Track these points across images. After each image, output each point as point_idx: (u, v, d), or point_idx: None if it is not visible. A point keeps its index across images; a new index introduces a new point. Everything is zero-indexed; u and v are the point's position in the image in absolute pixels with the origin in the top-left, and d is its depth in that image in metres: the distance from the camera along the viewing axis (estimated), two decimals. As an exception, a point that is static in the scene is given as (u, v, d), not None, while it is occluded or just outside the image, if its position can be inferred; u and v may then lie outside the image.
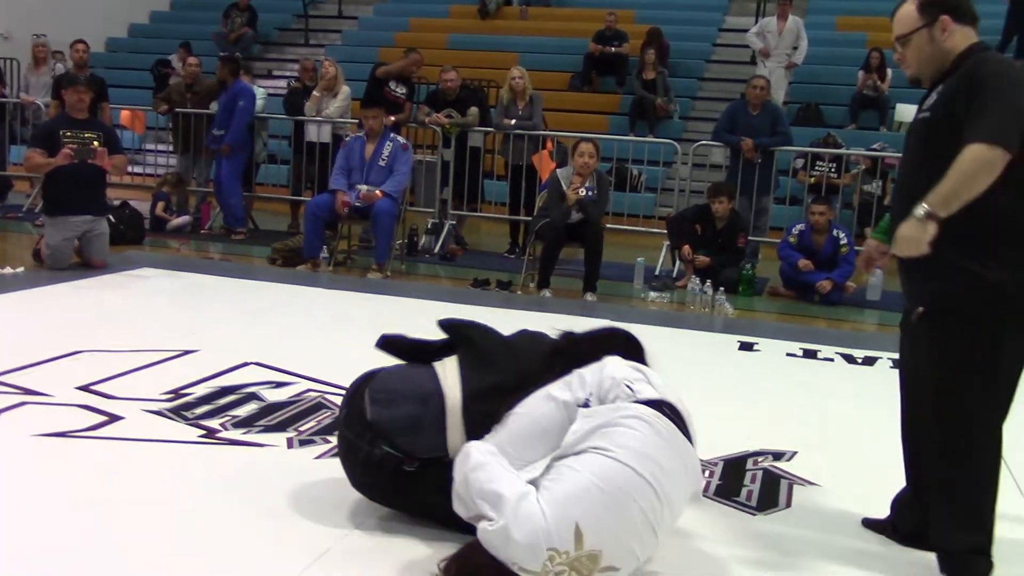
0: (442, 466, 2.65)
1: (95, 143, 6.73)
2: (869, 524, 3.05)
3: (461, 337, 2.92)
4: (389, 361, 3.00)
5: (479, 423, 2.66)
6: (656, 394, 2.46)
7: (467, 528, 2.47)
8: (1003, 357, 2.58)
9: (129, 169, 11.22)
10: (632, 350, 2.75)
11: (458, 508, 2.48)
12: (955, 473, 2.66)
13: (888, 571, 2.77)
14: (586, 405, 2.47)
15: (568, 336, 2.86)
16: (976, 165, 2.42)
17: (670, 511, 2.39)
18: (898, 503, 2.99)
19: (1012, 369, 2.63)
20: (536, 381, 2.63)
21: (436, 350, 2.94)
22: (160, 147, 11.65)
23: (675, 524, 2.49)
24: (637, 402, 2.42)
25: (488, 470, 2.41)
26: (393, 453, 2.74)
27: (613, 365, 2.56)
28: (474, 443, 2.53)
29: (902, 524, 2.95)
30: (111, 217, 8.02)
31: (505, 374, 2.75)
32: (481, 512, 2.35)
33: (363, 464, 2.81)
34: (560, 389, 2.55)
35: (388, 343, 3.02)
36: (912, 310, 2.72)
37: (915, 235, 2.50)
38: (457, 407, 2.72)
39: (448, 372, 2.81)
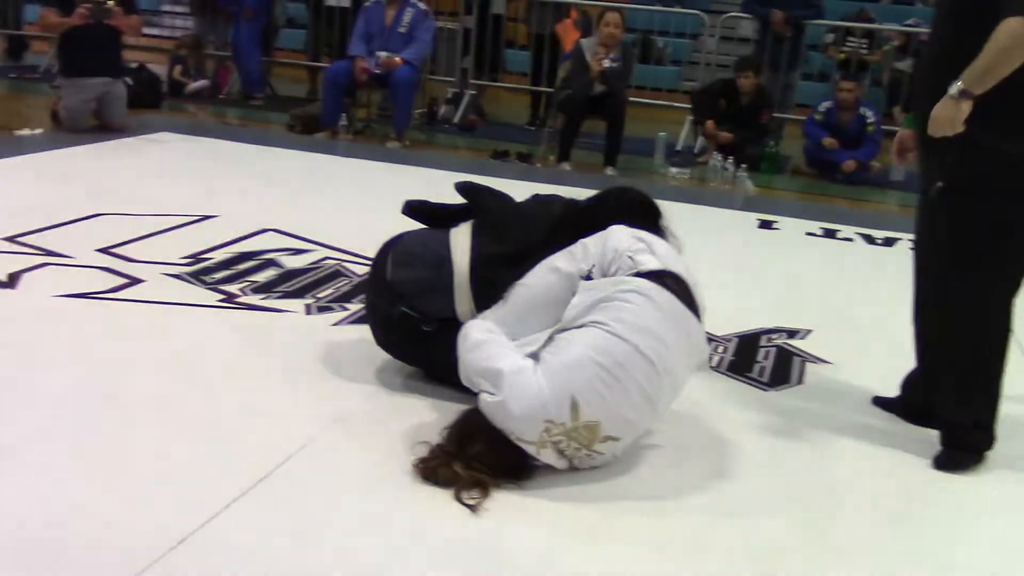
0: (459, 327, 2.69)
1: (110, 2, 6.61)
2: (879, 402, 3.08)
3: (476, 203, 2.96)
4: (414, 226, 3.03)
5: (485, 291, 2.71)
6: (658, 264, 2.44)
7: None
8: (1018, 232, 2.57)
9: (146, 31, 11.13)
10: (645, 213, 2.72)
11: (464, 382, 2.52)
12: (962, 346, 2.67)
13: (893, 445, 2.81)
14: (588, 277, 2.47)
15: (575, 203, 2.86)
16: (1013, 40, 2.35)
17: (671, 383, 2.41)
18: (908, 383, 3.01)
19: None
20: (543, 250, 2.63)
21: (456, 213, 2.96)
22: (178, 8, 11.45)
23: (678, 395, 2.52)
24: (638, 274, 2.41)
25: (486, 348, 2.43)
26: (410, 313, 2.81)
27: (617, 235, 2.53)
28: (473, 322, 2.56)
29: (911, 403, 2.98)
30: (129, 80, 7.95)
31: (513, 244, 2.77)
32: (482, 388, 2.38)
33: (383, 323, 2.91)
34: (564, 260, 2.55)
35: (412, 208, 3.06)
36: (930, 187, 2.67)
37: (950, 114, 2.45)
38: (464, 274, 2.77)
39: (460, 239, 2.84)
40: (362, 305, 3.58)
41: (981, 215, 2.56)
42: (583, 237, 2.59)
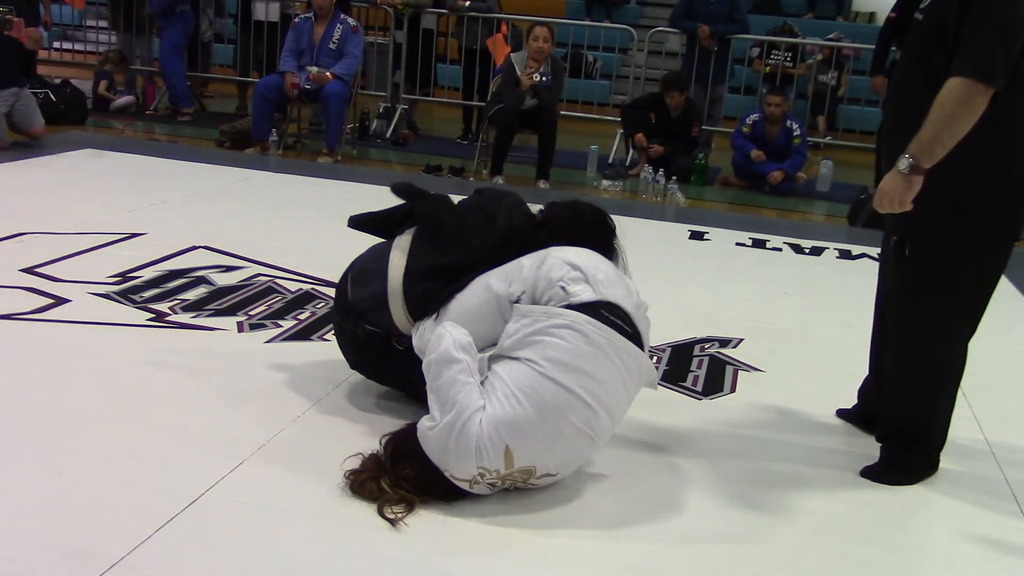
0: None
1: (9, 15, 6.50)
2: (841, 414, 3.12)
3: (413, 208, 2.86)
4: (370, 240, 2.97)
5: (419, 303, 2.67)
6: (593, 295, 2.35)
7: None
8: (976, 284, 2.57)
9: (68, 47, 10.92)
10: (596, 233, 2.63)
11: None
12: (914, 382, 2.68)
13: (827, 452, 2.87)
14: (517, 302, 2.42)
15: (522, 216, 2.75)
16: (955, 106, 2.31)
17: (609, 417, 2.35)
18: (862, 392, 3.06)
19: (983, 285, 2.59)
20: (485, 262, 2.58)
21: (403, 218, 2.87)
22: (102, 23, 11.26)
23: (618, 426, 2.46)
24: (569, 306, 2.33)
25: (455, 370, 2.33)
26: (375, 331, 2.77)
27: (551, 261, 2.44)
28: (450, 329, 2.42)
29: (865, 411, 3.01)
30: (52, 95, 7.80)
31: (450, 255, 2.70)
32: (429, 403, 2.35)
33: (352, 344, 2.86)
34: (497, 279, 2.49)
35: (357, 223, 2.99)
36: (890, 235, 2.66)
37: (898, 191, 2.41)
38: (398, 286, 2.71)
39: (396, 251, 2.78)
40: (296, 322, 3.55)
41: (939, 269, 2.55)
42: (528, 253, 2.52)
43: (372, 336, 2.78)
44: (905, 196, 2.41)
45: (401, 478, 2.31)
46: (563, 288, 2.37)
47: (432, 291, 2.63)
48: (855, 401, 3.10)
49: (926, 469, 2.75)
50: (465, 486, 2.31)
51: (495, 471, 2.28)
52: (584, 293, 2.36)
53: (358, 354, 2.87)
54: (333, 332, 3.05)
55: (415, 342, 2.63)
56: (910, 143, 2.38)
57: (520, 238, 2.63)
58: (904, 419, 2.73)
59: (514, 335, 2.36)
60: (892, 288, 2.70)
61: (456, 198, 2.94)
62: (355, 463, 2.41)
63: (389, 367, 2.85)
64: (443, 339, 2.39)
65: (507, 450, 2.25)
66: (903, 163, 2.39)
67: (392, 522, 2.23)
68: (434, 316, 2.58)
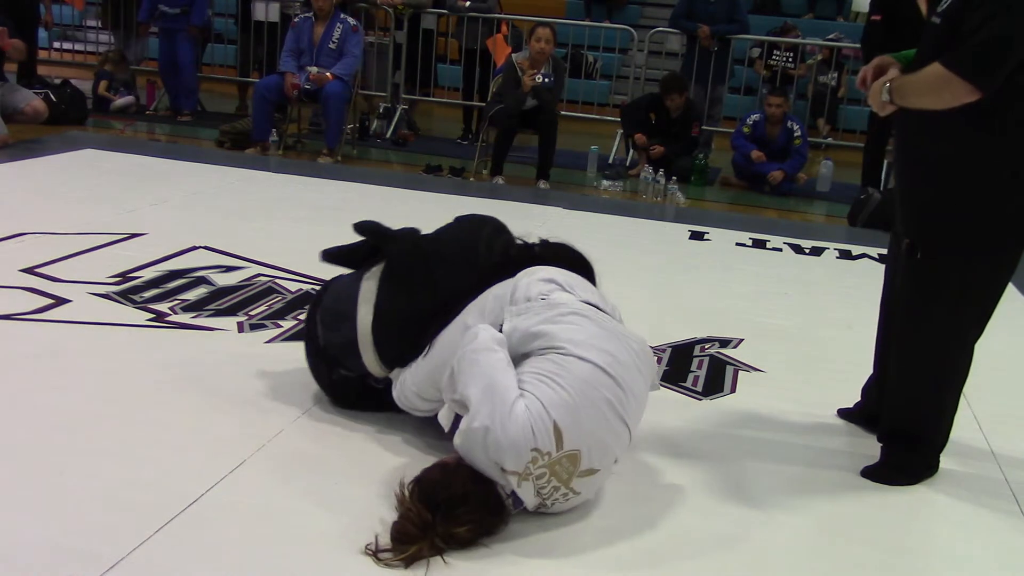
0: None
1: None
2: (842, 413, 3.11)
3: (381, 249, 2.78)
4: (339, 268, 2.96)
5: (391, 349, 2.63)
6: (576, 299, 2.38)
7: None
8: (984, 291, 2.57)
9: (68, 47, 10.92)
10: (580, 265, 2.63)
11: (444, 391, 2.35)
12: (918, 383, 2.69)
13: (827, 452, 2.87)
14: (500, 329, 2.35)
15: (520, 251, 2.71)
16: (931, 84, 2.39)
17: (635, 401, 2.33)
18: (866, 390, 3.05)
19: (992, 291, 2.60)
20: (461, 301, 2.54)
21: (373, 252, 2.81)
22: (101, 24, 11.26)
23: (641, 416, 2.43)
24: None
25: (495, 358, 2.25)
26: (350, 375, 2.73)
27: (523, 282, 2.45)
28: (484, 327, 2.35)
29: (868, 409, 3.01)
30: (52, 95, 7.81)
31: (420, 300, 2.62)
32: (466, 398, 2.22)
33: (330, 387, 2.83)
34: (474, 317, 2.46)
35: (330, 256, 2.95)
36: (901, 239, 2.66)
37: (875, 97, 2.56)
38: (367, 335, 2.64)
39: (364, 296, 2.69)
40: (296, 322, 3.55)
41: (949, 273, 2.55)
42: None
43: (347, 380, 2.76)
44: (879, 107, 2.55)
45: (452, 537, 2.11)
46: (543, 298, 2.38)
47: (405, 337, 2.59)
48: (856, 400, 3.10)
49: (926, 470, 2.75)
50: (515, 481, 2.17)
51: (547, 453, 2.16)
52: (567, 299, 2.37)
53: (337, 396, 2.84)
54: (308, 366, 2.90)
55: (396, 394, 2.63)
56: (902, 77, 2.50)
57: (502, 270, 2.59)
58: (907, 420, 2.72)
59: (519, 331, 2.31)
60: (900, 290, 2.69)
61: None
62: (389, 508, 2.23)
63: (369, 401, 2.79)
64: (480, 334, 2.31)
65: (555, 426, 2.16)
66: (886, 89, 2.52)
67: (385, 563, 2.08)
68: (422, 356, 2.54)
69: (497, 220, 2.85)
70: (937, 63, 2.37)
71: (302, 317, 3.60)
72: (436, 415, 2.42)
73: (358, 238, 2.89)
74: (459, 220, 2.88)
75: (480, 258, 2.69)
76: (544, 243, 2.76)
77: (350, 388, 2.78)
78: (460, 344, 2.34)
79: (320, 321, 2.75)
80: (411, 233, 2.83)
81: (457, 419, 2.28)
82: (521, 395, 2.19)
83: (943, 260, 2.56)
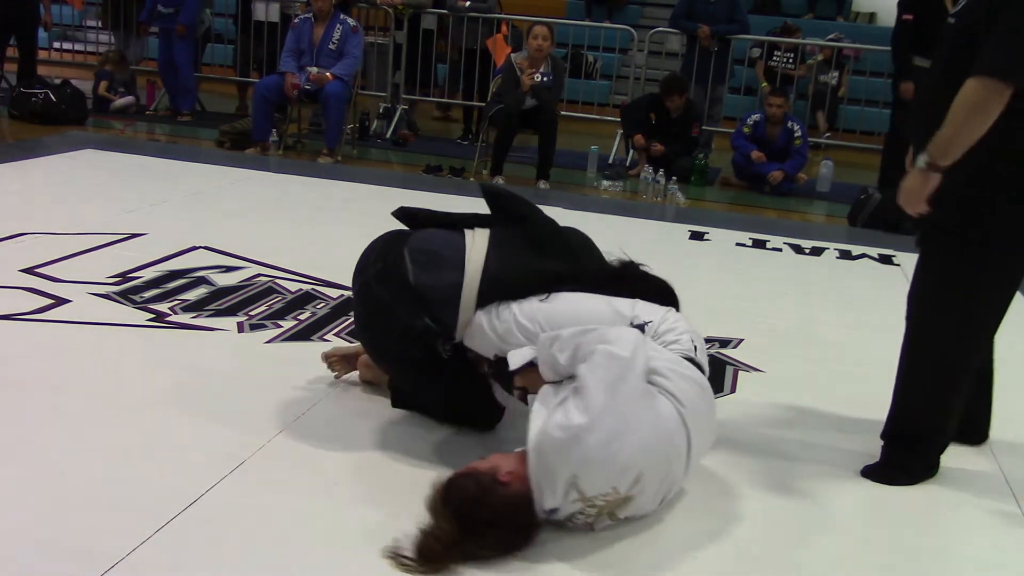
0: (468, 365, 2.52)
1: None
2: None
3: (512, 209, 2.62)
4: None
5: (496, 298, 2.45)
6: (705, 364, 2.36)
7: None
8: (997, 282, 2.57)
9: (68, 47, 10.92)
10: (675, 304, 2.59)
11: (588, 372, 2.12)
12: (926, 380, 2.68)
13: (822, 446, 2.87)
14: (642, 328, 2.31)
15: (629, 264, 2.64)
16: (972, 106, 2.32)
17: (678, 483, 2.31)
18: None
19: (1002, 288, 2.59)
20: (590, 286, 2.46)
21: (462, 222, 2.62)
22: (101, 24, 11.26)
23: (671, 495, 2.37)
24: (690, 360, 2.29)
25: (639, 392, 2.12)
26: (433, 327, 2.46)
27: (677, 314, 2.44)
28: (652, 347, 2.24)
29: None
30: (52, 95, 7.82)
31: (556, 262, 2.50)
32: (589, 393, 2.07)
33: (400, 336, 2.49)
34: (619, 302, 2.41)
35: (406, 213, 2.70)
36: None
37: (917, 188, 2.45)
38: (475, 283, 2.45)
39: (476, 243, 2.51)
40: (296, 322, 3.55)
41: (957, 266, 2.55)
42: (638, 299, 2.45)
43: (426, 333, 2.46)
44: (923, 193, 2.45)
45: (477, 557, 2.06)
46: (692, 341, 2.35)
47: (518, 291, 2.44)
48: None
49: (926, 470, 2.74)
50: (571, 498, 2.09)
51: (618, 492, 2.11)
52: (702, 358, 2.36)
53: (402, 348, 2.51)
54: (355, 307, 2.66)
55: (484, 323, 2.42)
56: (932, 141, 2.40)
57: (632, 283, 2.55)
58: (911, 420, 2.72)
59: (658, 361, 2.21)
60: (911, 283, 2.69)
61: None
62: (410, 522, 2.15)
63: (418, 369, 2.58)
64: (639, 354, 2.16)
65: (639, 476, 2.10)
66: (921, 160, 2.42)
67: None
68: (539, 299, 2.42)
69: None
70: (967, 82, 2.33)
71: (302, 317, 3.61)
72: (506, 354, 2.36)
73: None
74: (570, 229, 2.76)
75: (596, 257, 2.64)
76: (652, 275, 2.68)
77: (419, 345, 2.48)
78: (611, 332, 2.21)
79: (411, 259, 2.48)
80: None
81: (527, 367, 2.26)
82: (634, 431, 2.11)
83: (950, 253, 2.56)
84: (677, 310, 2.55)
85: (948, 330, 2.62)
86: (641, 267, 2.64)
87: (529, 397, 2.33)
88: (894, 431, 2.76)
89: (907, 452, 2.73)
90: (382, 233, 2.68)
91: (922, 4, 6.54)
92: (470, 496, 2.07)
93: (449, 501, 2.07)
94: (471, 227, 2.58)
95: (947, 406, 2.70)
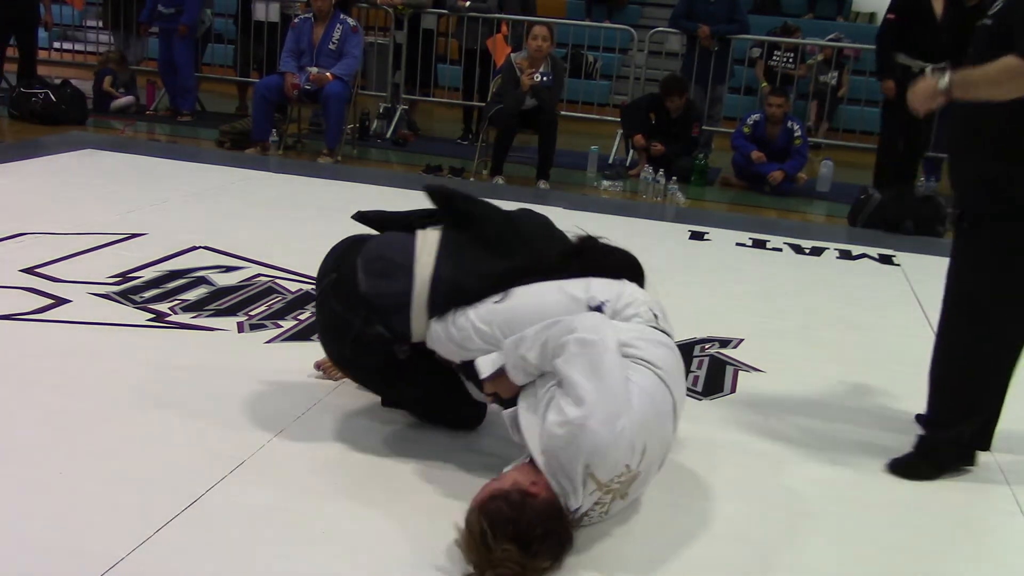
0: (431, 360, 2.52)
1: None
2: (920, 419, 3.03)
3: (458, 208, 2.59)
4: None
5: (449, 302, 2.44)
6: (670, 330, 2.37)
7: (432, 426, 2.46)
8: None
9: (68, 47, 10.92)
10: (640, 274, 2.59)
11: (565, 367, 2.13)
12: (963, 369, 2.69)
13: (822, 446, 2.87)
14: (599, 309, 2.32)
15: (587, 239, 2.62)
16: (1004, 75, 2.40)
17: (672, 444, 2.34)
18: None
19: None
20: (545, 274, 2.44)
21: (417, 221, 2.63)
22: (102, 24, 11.26)
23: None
24: (656, 328, 2.32)
25: (619, 368, 2.13)
26: (385, 334, 2.49)
27: (632, 286, 2.43)
28: (612, 324, 2.25)
29: None
30: (52, 95, 7.82)
31: (508, 259, 2.48)
32: (575, 385, 2.08)
33: (353, 343, 2.54)
34: (573, 287, 2.39)
35: (364, 217, 2.74)
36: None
37: (925, 94, 2.53)
38: (425, 288, 2.45)
39: (425, 245, 2.51)
40: (296, 322, 3.55)
41: (995, 246, 2.56)
42: (592, 276, 2.44)
43: (378, 339, 2.49)
44: (928, 103, 2.53)
45: (544, 559, 2.02)
46: (651, 311, 2.36)
47: (470, 293, 2.43)
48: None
49: (958, 461, 2.74)
50: (591, 489, 2.09)
51: (632, 469, 2.13)
52: (665, 326, 2.37)
53: (355, 354, 2.58)
54: (316, 316, 2.70)
55: (439, 330, 2.42)
56: (961, 70, 2.48)
57: (586, 258, 2.54)
58: (945, 408, 2.72)
59: (627, 333, 2.24)
60: (949, 266, 2.69)
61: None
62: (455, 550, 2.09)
63: (380, 374, 2.63)
64: (607, 334, 2.18)
65: (644, 448, 2.13)
66: (944, 81, 2.48)
67: None
68: (495, 300, 2.41)
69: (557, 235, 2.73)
70: (1010, 56, 2.38)
71: (302, 317, 3.61)
72: (473, 361, 2.36)
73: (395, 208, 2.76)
74: (524, 209, 2.78)
75: (555, 239, 2.63)
76: (610, 246, 2.67)
77: (374, 351, 2.51)
78: (575, 320, 2.21)
79: (364, 268, 2.51)
80: (483, 200, 2.68)
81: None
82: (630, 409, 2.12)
83: (988, 233, 2.56)
84: (642, 280, 2.56)
85: (986, 312, 2.61)
86: (601, 240, 2.63)
87: (509, 415, 2.33)
88: (928, 420, 2.76)
89: (938, 443, 2.73)
90: (343, 239, 2.69)
91: (906, 5, 6.66)
92: (512, 516, 2.02)
93: (497, 526, 1.99)
94: (424, 227, 2.58)
95: (983, 392, 2.71)
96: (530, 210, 2.80)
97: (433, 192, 2.63)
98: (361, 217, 2.74)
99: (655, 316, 2.35)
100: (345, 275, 2.54)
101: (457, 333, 2.42)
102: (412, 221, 2.64)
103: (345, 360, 2.69)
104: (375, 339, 2.49)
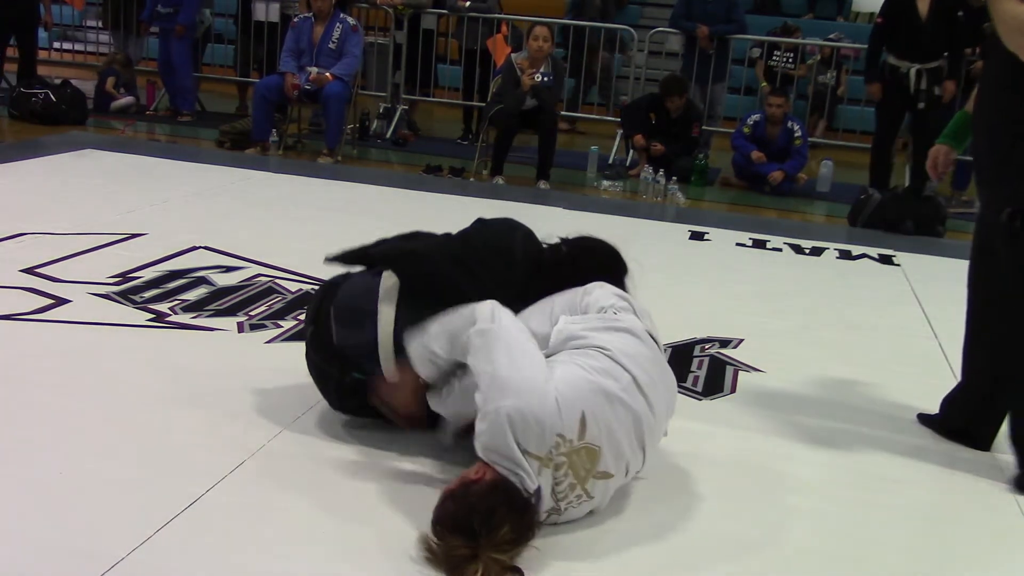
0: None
1: None
2: (922, 419, 3.08)
3: (402, 265, 2.61)
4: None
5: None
6: (640, 324, 2.38)
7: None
8: None
9: (68, 47, 10.93)
10: (617, 271, 2.62)
11: (473, 361, 2.21)
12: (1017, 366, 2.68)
13: (822, 447, 2.87)
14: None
15: (550, 251, 2.65)
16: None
17: (656, 429, 2.33)
18: (949, 400, 3.01)
19: None
20: (512, 300, 2.40)
21: (381, 262, 2.66)
22: (101, 24, 11.26)
23: (658, 444, 2.42)
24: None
25: (522, 337, 2.22)
26: (362, 379, 2.56)
27: (598, 292, 2.44)
28: (506, 312, 2.28)
29: (949, 420, 2.98)
30: (52, 95, 7.82)
31: (483, 293, 2.42)
32: (490, 373, 2.14)
33: (336, 391, 2.66)
34: (536, 320, 2.41)
35: (337, 259, 2.76)
36: (993, 214, 2.65)
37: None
38: (388, 339, 2.50)
39: (385, 298, 2.55)
40: (296, 322, 3.55)
41: None
42: (555, 290, 2.49)
43: (358, 384, 2.56)
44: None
45: (500, 544, 2.01)
46: (615, 314, 2.37)
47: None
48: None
49: None
50: (536, 467, 2.11)
51: (569, 441, 2.13)
52: (632, 322, 2.37)
53: (344, 401, 2.68)
54: (307, 367, 2.74)
55: (442, 409, 2.46)
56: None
57: (547, 276, 2.58)
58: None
59: (566, 332, 2.30)
60: (1002, 266, 2.67)
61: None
62: (415, 540, 2.12)
63: (369, 412, 2.65)
64: (503, 318, 2.24)
65: (583, 416, 2.14)
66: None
67: None
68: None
69: (524, 225, 2.75)
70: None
71: (302, 317, 3.60)
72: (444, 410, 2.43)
73: (365, 240, 2.78)
74: (485, 223, 2.78)
75: (518, 259, 2.62)
76: (569, 241, 2.71)
77: (357, 395, 2.59)
78: (471, 312, 2.27)
79: (335, 318, 2.57)
80: (433, 243, 2.70)
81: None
82: (550, 379, 2.16)
83: None
84: (625, 274, 2.63)
85: None
86: (582, 239, 2.67)
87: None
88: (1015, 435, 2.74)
89: None
90: (323, 284, 2.77)
91: (893, 7, 6.85)
92: (454, 510, 2.06)
93: (445, 525, 2.05)
94: (387, 268, 2.60)
95: None
96: (484, 221, 2.78)
97: (341, 259, 2.71)
98: (335, 259, 2.77)
99: (616, 317, 2.36)
100: (320, 327, 2.62)
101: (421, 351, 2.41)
102: (377, 263, 2.65)
103: (335, 405, 2.75)
104: (354, 385, 2.58)
